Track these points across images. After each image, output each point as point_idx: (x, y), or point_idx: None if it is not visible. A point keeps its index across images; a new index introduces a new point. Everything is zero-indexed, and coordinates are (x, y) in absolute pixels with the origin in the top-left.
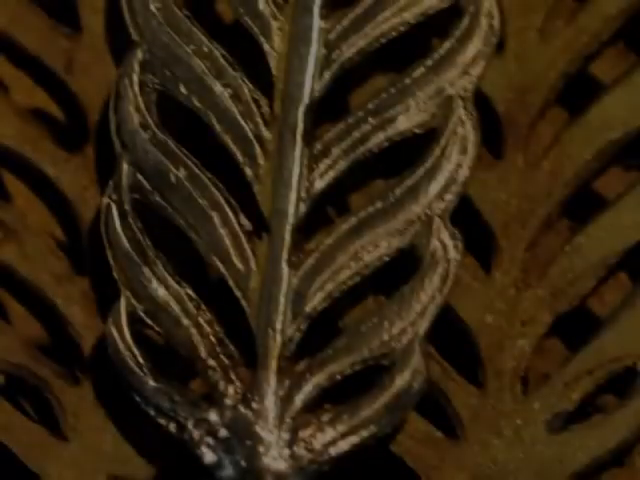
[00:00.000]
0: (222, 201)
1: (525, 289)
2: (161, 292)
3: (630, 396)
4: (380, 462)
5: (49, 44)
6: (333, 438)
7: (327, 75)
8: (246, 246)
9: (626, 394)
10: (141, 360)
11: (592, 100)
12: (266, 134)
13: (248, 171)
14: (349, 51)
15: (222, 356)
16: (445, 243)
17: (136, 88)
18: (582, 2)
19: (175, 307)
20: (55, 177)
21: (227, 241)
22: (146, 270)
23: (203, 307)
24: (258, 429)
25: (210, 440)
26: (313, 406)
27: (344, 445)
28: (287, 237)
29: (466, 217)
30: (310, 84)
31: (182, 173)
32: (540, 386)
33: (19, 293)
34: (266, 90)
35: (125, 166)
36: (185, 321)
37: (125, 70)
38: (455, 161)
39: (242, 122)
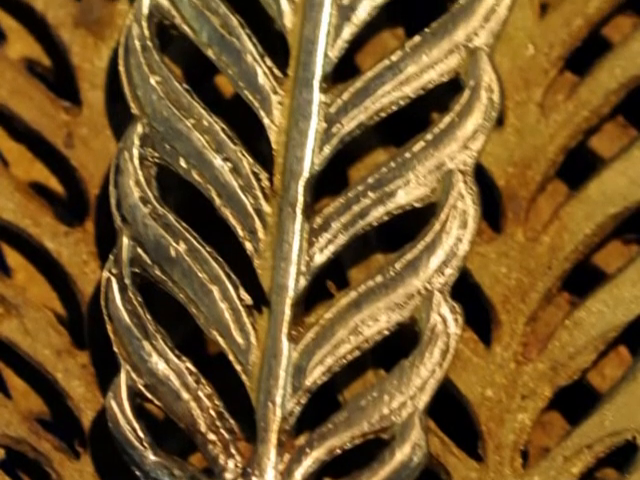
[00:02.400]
0: (222, 275)
1: (525, 363)
2: (161, 366)
3: (630, 470)
4: None
5: (49, 118)
6: None
7: (327, 149)
8: (246, 320)
9: (626, 468)
10: (141, 434)
11: (592, 174)
12: (266, 208)
13: (248, 245)
14: (349, 125)
15: (222, 430)
16: (445, 317)
17: (136, 162)
18: (582, 76)
19: (175, 381)
20: (55, 251)
21: (227, 315)
22: (146, 344)
23: (203, 381)
24: None
25: None
26: None
27: None
28: (287, 311)
29: (466, 291)
30: (310, 158)
31: (182, 247)
32: (540, 460)
33: (19, 367)
34: (266, 164)
35: (125, 240)
36: (185, 395)
37: (125, 144)
38: (455, 235)
39: (242, 196)
